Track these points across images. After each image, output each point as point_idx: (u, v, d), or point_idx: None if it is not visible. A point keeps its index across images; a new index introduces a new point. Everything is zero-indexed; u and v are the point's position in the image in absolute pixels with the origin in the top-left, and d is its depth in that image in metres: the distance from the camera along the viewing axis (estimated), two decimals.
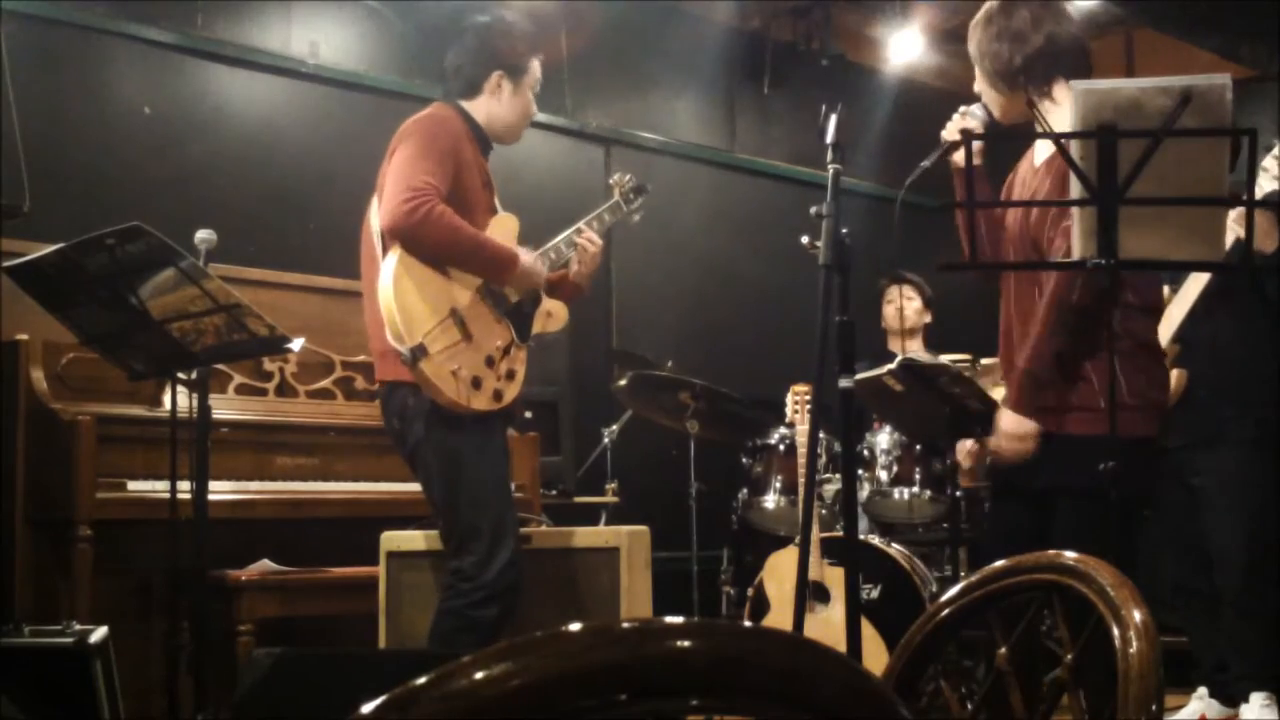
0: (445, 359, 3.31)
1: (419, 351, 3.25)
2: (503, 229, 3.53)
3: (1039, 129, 2.77)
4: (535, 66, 3.61)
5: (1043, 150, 3.13)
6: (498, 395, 3.40)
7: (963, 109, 3.10)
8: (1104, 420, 2.89)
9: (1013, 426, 2.97)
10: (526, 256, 3.48)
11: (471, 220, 3.40)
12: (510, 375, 3.46)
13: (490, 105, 3.56)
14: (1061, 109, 2.97)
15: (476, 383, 3.35)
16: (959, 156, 3.06)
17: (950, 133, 3.07)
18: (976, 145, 3.02)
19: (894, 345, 5.61)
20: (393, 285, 3.28)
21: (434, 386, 3.28)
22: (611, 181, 3.93)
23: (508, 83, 3.55)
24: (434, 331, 3.30)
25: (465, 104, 3.56)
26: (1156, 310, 3.08)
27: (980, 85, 3.15)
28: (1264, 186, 3.82)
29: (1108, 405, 2.91)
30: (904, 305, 5.65)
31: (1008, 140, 3.17)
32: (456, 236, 3.32)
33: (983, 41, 3.10)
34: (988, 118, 3.10)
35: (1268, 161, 3.75)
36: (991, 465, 3.22)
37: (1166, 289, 4.18)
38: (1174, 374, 4.12)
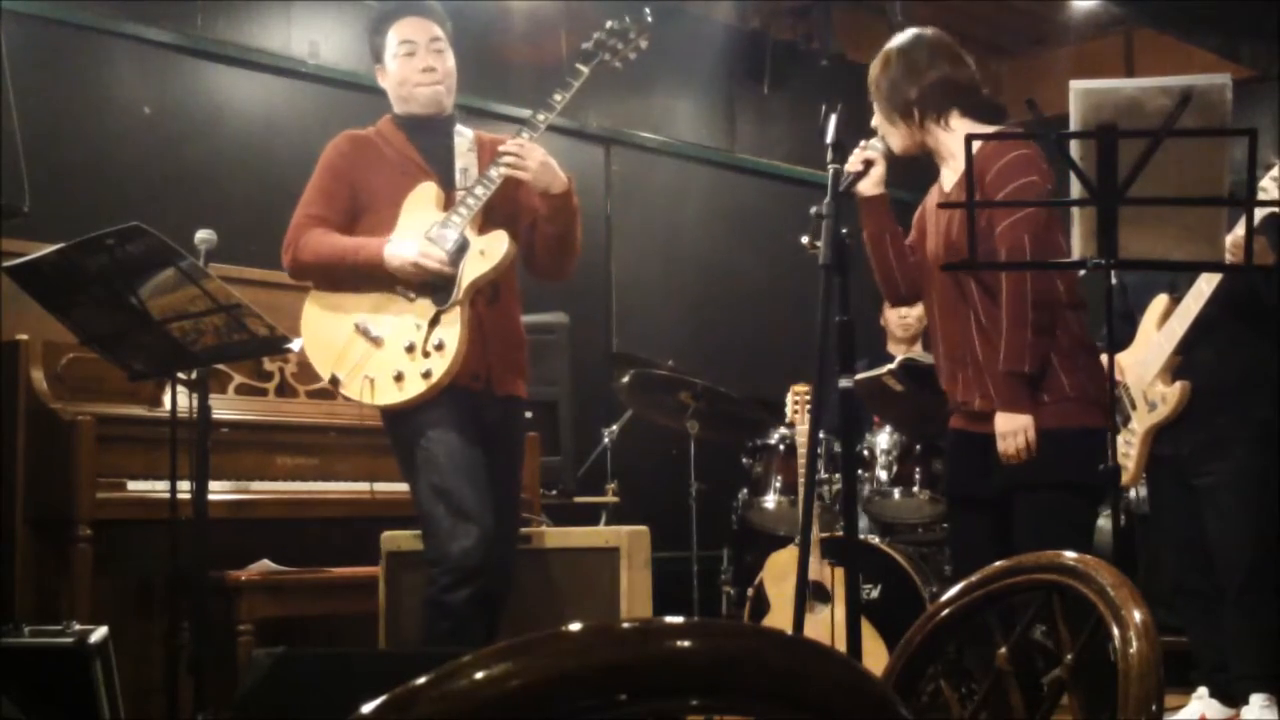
0: (359, 373, 3.37)
1: (334, 382, 3.39)
2: (416, 200, 3.47)
3: (1038, 127, 2.78)
4: (393, 33, 3.55)
5: (950, 178, 3.24)
6: (426, 374, 3.33)
7: (863, 143, 3.26)
8: (1043, 415, 3.03)
9: (1004, 425, 3.05)
10: (400, 252, 3.37)
11: (382, 212, 3.44)
12: (439, 347, 3.34)
13: (390, 95, 3.62)
14: (956, 136, 3.12)
15: (399, 376, 3.34)
16: (864, 186, 3.24)
17: (854, 164, 3.21)
18: (878, 173, 3.25)
19: (894, 348, 5.60)
20: (303, 327, 3.44)
21: (364, 403, 3.40)
22: (590, 45, 3.61)
23: (382, 68, 3.60)
24: (340, 356, 3.39)
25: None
26: (1085, 306, 3.19)
27: (879, 122, 3.30)
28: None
29: (1054, 400, 3.05)
30: (907, 312, 5.65)
31: (1003, 139, 3.18)
32: (322, 259, 3.44)
33: (880, 80, 3.29)
34: (887, 149, 3.27)
35: (1266, 183, 3.75)
36: (945, 484, 3.34)
37: (1166, 298, 4.18)
38: (1177, 386, 4.12)
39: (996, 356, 3.06)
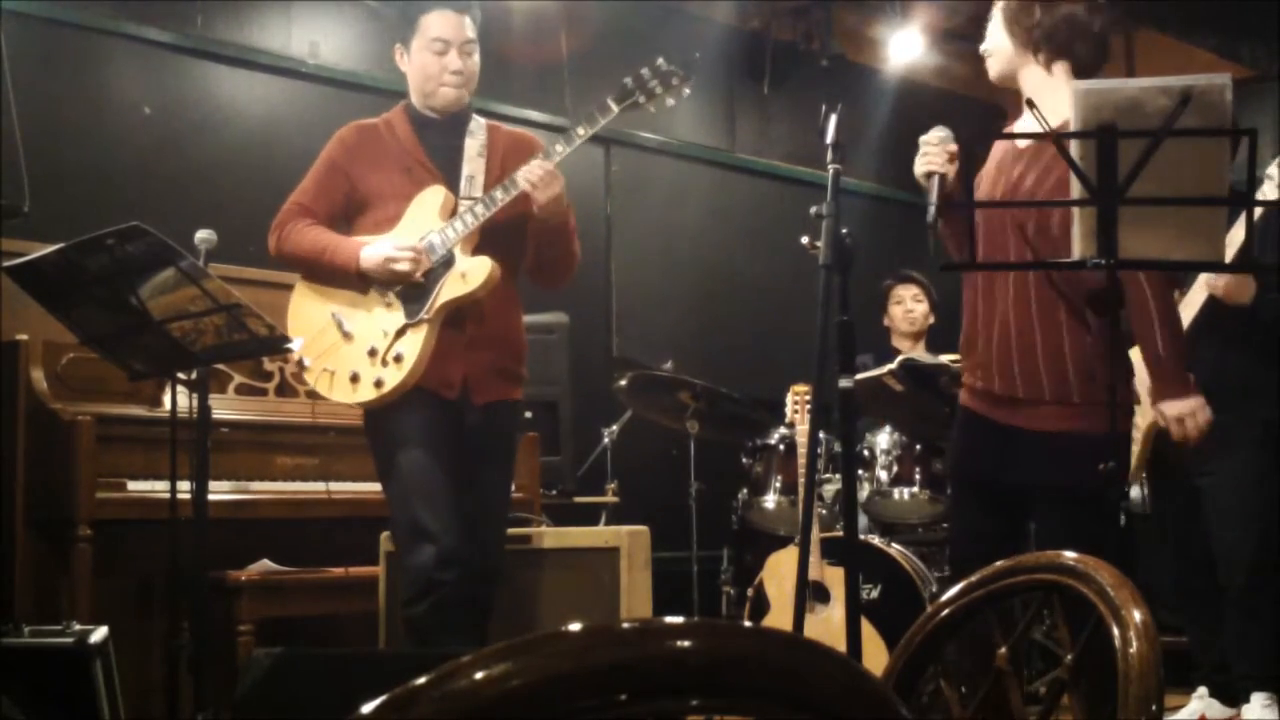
0: (322, 364, 3.38)
1: (300, 365, 3.43)
2: (423, 203, 3.42)
3: (1040, 128, 2.77)
4: (426, 24, 3.43)
5: (1027, 122, 2.94)
6: (378, 383, 3.31)
7: (935, 135, 2.95)
8: (1078, 416, 2.92)
9: (1184, 408, 2.96)
10: (384, 255, 3.32)
11: (385, 209, 3.41)
12: (397, 359, 3.32)
13: (409, 80, 3.54)
14: (1052, 84, 2.97)
15: (355, 378, 3.34)
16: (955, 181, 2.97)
17: (934, 163, 2.91)
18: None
19: (898, 343, 5.62)
20: (290, 306, 3.47)
21: (320, 393, 3.41)
22: (628, 81, 3.43)
23: (405, 51, 3.50)
24: (312, 342, 3.39)
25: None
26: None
27: (990, 34, 3.09)
28: (1267, 195, 3.81)
29: (1082, 402, 2.92)
30: (913, 306, 5.66)
31: (1005, 139, 3.13)
32: (299, 253, 3.44)
33: None
34: (948, 136, 2.97)
35: (1272, 169, 3.74)
36: (954, 462, 3.22)
37: (1175, 292, 4.18)
38: None
39: (1058, 350, 2.92)
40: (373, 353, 3.34)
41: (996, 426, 3.02)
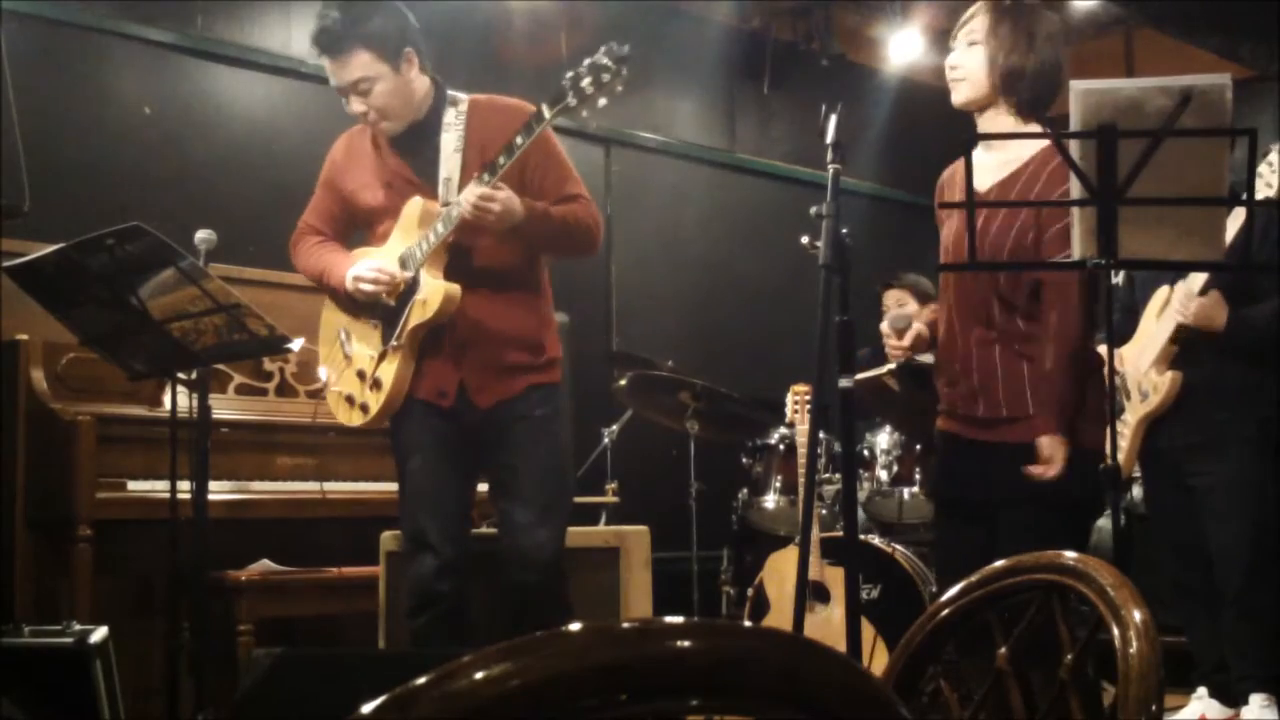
0: (333, 384, 3.43)
1: (325, 386, 3.48)
2: (404, 219, 3.33)
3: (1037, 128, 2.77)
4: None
5: (997, 164, 3.02)
6: (364, 408, 3.34)
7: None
8: (1037, 429, 2.93)
9: (1052, 449, 2.87)
10: (353, 275, 3.30)
11: (381, 226, 3.39)
12: (377, 384, 3.31)
13: None
14: (1018, 128, 2.97)
15: (350, 400, 3.38)
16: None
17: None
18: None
19: None
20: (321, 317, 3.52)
21: (334, 415, 3.46)
22: (565, 81, 3.18)
23: None
24: (326, 356, 3.45)
25: None
26: (1093, 325, 3.01)
27: (965, 60, 3.00)
28: (1260, 192, 3.81)
29: (1011, 414, 2.94)
30: (896, 310, 5.64)
31: (1005, 139, 3.10)
32: (308, 274, 3.50)
33: (999, 30, 2.95)
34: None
35: (1261, 168, 3.75)
36: (934, 483, 3.25)
37: (1167, 289, 4.18)
38: (1168, 375, 4.12)
39: (1012, 367, 2.94)
40: (361, 375, 3.37)
41: (974, 444, 3.04)
